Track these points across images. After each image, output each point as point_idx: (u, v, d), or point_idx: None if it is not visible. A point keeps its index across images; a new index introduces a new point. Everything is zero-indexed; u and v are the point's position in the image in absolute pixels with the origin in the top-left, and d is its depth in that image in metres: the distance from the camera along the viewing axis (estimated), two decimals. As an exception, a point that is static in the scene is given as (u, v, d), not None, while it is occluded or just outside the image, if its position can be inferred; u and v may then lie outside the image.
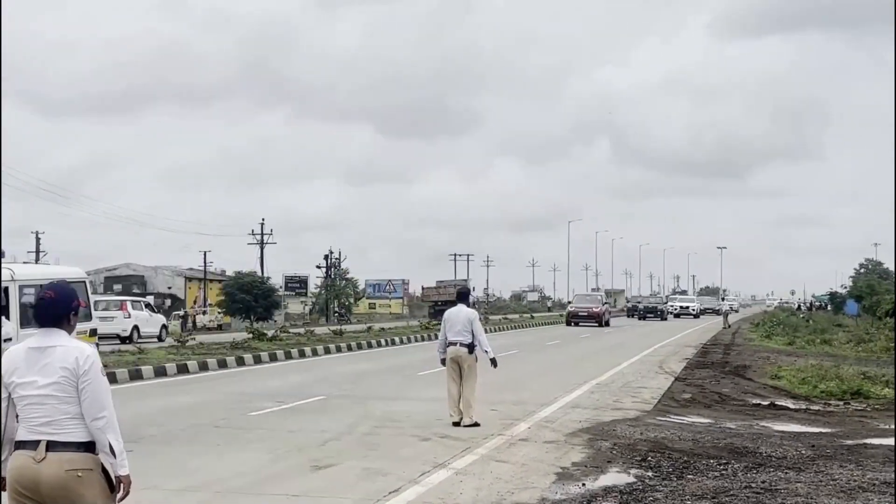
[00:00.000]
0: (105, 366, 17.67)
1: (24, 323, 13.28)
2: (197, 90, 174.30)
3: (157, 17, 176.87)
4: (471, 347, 13.36)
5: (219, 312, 67.01)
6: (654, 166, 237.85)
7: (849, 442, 12.06)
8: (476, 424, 12.93)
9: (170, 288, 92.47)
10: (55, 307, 4.62)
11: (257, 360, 25.03)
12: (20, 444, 4.51)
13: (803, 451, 11.17)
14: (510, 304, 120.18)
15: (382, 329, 43.60)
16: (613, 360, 26.32)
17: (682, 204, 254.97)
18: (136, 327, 36.97)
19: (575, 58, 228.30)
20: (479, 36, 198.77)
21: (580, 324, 54.67)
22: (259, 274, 75.78)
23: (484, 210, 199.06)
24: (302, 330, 42.93)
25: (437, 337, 13.88)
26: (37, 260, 73.39)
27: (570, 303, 69.09)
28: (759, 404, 16.30)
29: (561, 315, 67.88)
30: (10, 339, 11.76)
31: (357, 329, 44.45)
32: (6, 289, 13.58)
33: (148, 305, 41.03)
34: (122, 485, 4.61)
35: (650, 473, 9.79)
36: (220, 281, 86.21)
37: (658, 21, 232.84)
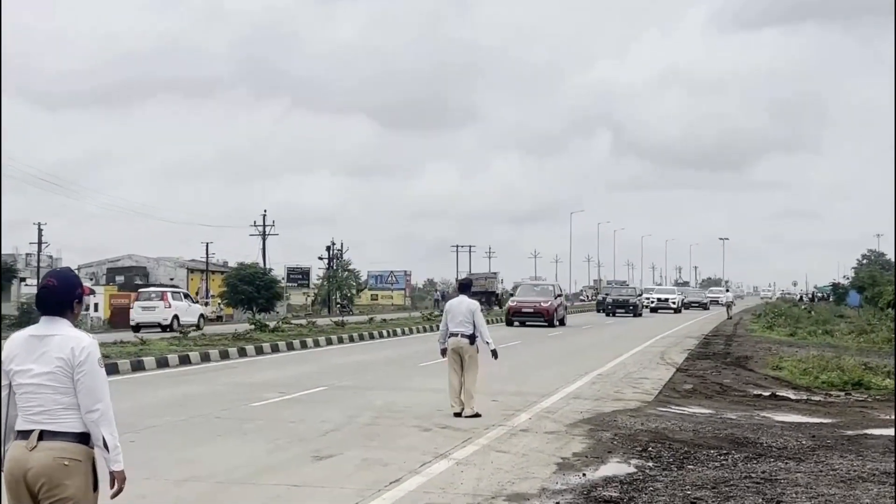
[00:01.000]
0: (107, 356, 17.66)
1: None
2: (197, 83, 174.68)
3: (157, 10, 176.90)
4: (472, 338, 13.38)
5: (219, 304, 67.08)
6: (653, 159, 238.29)
7: (849, 432, 12.08)
8: (477, 415, 12.96)
9: (172, 279, 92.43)
10: (57, 295, 4.57)
11: (259, 351, 25.06)
12: (18, 435, 4.50)
13: (804, 442, 11.18)
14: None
15: (384, 320, 43.62)
16: (615, 351, 26.33)
17: (684, 196, 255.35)
18: (175, 316, 38.57)
19: (574, 51, 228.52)
20: (478, 29, 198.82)
21: (526, 323, 42.08)
22: (261, 265, 75.77)
23: (485, 202, 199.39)
24: (304, 321, 42.92)
25: (439, 328, 13.88)
26: (39, 251, 73.48)
27: (511, 295, 51.79)
28: (761, 395, 16.31)
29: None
30: None
31: (359, 320, 44.47)
32: None
33: (187, 296, 42.94)
34: (115, 480, 4.57)
35: (651, 464, 9.81)
36: (222, 272, 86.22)
37: (656, 15, 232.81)
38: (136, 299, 40.51)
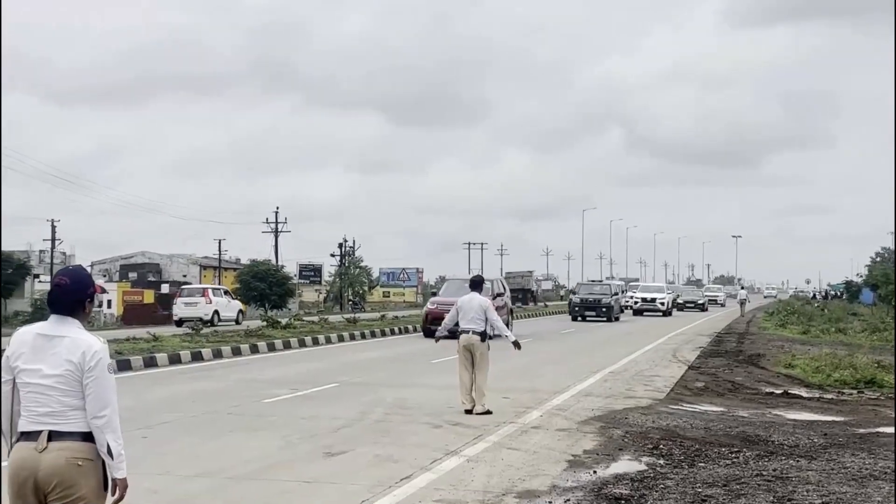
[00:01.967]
0: (120, 353, 17.75)
1: None
2: (207, 79, 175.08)
3: (167, 6, 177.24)
4: (483, 335, 13.39)
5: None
6: (665, 154, 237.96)
7: (861, 430, 12.04)
8: (488, 412, 12.95)
9: (185, 276, 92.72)
10: (70, 293, 4.47)
11: (271, 348, 25.10)
12: (22, 436, 4.40)
13: (816, 440, 11.15)
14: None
15: (396, 317, 43.66)
16: (627, 349, 26.30)
17: (696, 192, 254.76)
18: (216, 312, 40.62)
19: (584, 46, 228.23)
20: (488, 25, 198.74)
21: (587, 318, 45.26)
22: (273, 262, 75.90)
23: (496, 199, 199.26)
24: (316, 318, 43.02)
25: None
26: (52, 248, 73.75)
27: (572, 292, 55.62)
28: (773, 393, 16.27)
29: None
30: None
31: (371, 317, 44.51)
32: None
33: (227, 292, 44.84)
34: (117, 488, 4.46)
35: (662, 461, 9.80)
36: (234, 269, 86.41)
37: (667, 9, 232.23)
38: (179, 295, 42.62)
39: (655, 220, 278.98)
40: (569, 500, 8.06)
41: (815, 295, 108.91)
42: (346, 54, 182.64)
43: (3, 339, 4.97)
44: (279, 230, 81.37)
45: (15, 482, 4.35)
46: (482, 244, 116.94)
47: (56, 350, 4.38)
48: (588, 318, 44.94)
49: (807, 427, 12.22)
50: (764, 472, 9.09)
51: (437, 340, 14.84)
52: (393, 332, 34.12)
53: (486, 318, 13.48)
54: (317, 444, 10.65)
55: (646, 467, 9.48)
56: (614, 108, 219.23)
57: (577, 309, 46.45)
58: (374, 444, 10.74)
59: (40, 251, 77.64)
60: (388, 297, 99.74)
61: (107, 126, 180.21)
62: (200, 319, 38.10)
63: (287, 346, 26.09)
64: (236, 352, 23.29)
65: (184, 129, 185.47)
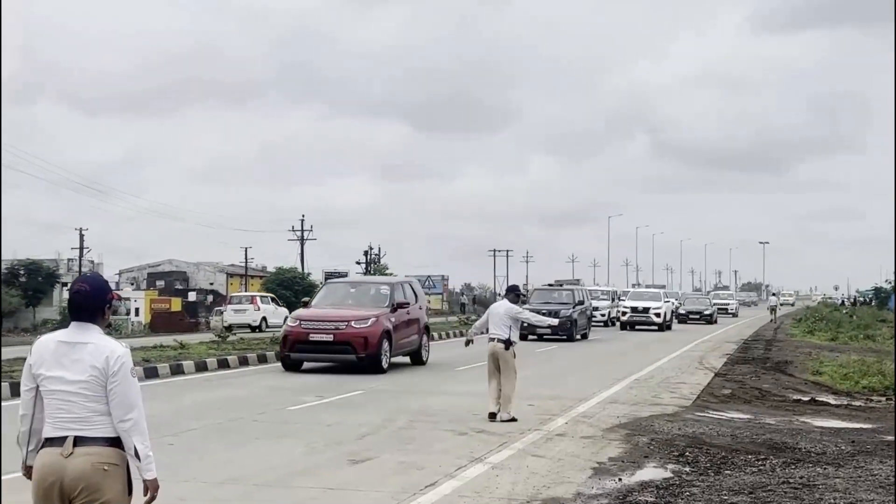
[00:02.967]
0: (147, 360, 17.85)
1: None
2: (234, 87, 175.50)
3: (194, 14, 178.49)
4: (507, 343, 13.44)
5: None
6: (692, 160, 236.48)
7: (889, 438, 11.94)
8: (513, 420, 12.95)
9: (211, 284, 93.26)
10: (90, 299, 4.49)
11: (297, 355, 25.10)
12: (47, 442, 4.41)
13: (843, 447, 11.07)
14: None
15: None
16: (653, 356, 26.20)
17: (723, 198, 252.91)
18: (264, 318, 43.18)
19: (611, 52, 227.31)
20: (514, 30, 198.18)
21: (636, 327, 43.66)
22: (299, 269, 76.21)
23: (521, 205, 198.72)
24: (342, 325, 43.11)
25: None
26: (81, 256, 74.31)
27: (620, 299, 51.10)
28: (800, 400, 16.16)
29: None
30: None
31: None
32: None
33: (273, 299, 47.72)
34: (148, 489, 4.50)
35: (688, 469, 9.76)
36: (260, 277, 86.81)
37: (693, 15, 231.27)
38: (229, 303, 46.04)
39: (682, 226, 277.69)
40: (594, 507, 8.04)
41: (843, 301, 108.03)
42: (371, 61, 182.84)
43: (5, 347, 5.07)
44: (305, 238, 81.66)
45: (41, 488, 4.36)
46: (507, 251, 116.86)
47: (79, 356, 4.39)
48: (544, 337, 33.66)
49: (834, 434, 12.14)
50: (791, 480, 9.04)
51: (466, 345, 15.03)
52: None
53: (511, 326, 13.54)
54: (342, 451, 10.68)
55: (671, 475, 9.44)
56: (640, 113, 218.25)
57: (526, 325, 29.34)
58: (398, 451, 10.76)
59: (69, 259, 78.22)
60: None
61: (134, 134, 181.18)
62: (249, 325, 40.87)
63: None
64: (262, 359, 23.35)
65: (211, 137, 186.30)
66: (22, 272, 66.85)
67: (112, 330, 37.58)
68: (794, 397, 16.54)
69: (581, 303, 36.06)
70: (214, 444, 11.20)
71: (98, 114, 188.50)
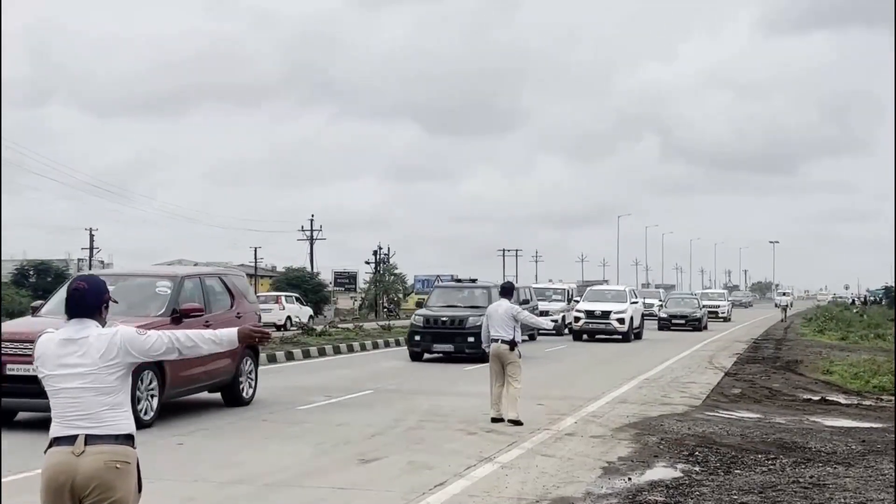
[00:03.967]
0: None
1: None
2: (245, 89, 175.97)
3: (206, 17, 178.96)
4: (512, 344, 13.06)
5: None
6: (702, 161, 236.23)
7: (901, 437, 11.89)
8: (519, 423, 12.65)
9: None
10: (88, 298, 4.50)
11: (306, 355, 25.19)
12: (55, 441, 4.37)
13: (853, 447, 11.04)
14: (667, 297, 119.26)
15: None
16: (662, 355, 26.16)
17: (733, 199, 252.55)
18: (289, 317, 44.83)
19: (620, 53, 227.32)
20: (524, 32, 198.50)
21: (672, 328, 43.08)
22: (309, 269, 76.25)
23: (531, 206, 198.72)
24: (351, 325, 43.13)
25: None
26: (91, 257, 74.50)
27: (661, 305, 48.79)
28: (810, 399, 16.12)
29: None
30: None
31: (405, 324, 44.48)
32: None
33: (298, 299, 49.18)
34: (250, 332, 4.63)
35: (697, 468, 9.74)
36: (270, 277, 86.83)
37: (703, 17, 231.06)
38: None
39: (692, 226, 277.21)
40: (603, 507, 8.02)
41: (854, 301, 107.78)
42: (382, 64, 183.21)
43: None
44: (314, 238, 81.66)
45: (51, 488, 4.32)
46: (517, 251, 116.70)
47: (83, 350, 4.39)
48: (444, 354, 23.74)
49: (844, 434, 12.10)
50: (801, 479, 9.01)
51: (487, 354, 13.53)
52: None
53: (515, 326, 13.12)
54: (351, 451, 10.69)
55: (681, 474, 9.42)
56: (651, 115, 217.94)
57: (418, 338, 23.94)
58: (407, 450, 10.76)
59: (79, 260, 78.43)
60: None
61: (146, 136, 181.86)
62: (274, 325, 41.59)
63: (322, 353, 26.18)
64: (272, 359, 23.38)
65: (222, 139, 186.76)
66: (32, 272, 67.09)
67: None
68: (805, 397, 16.50)
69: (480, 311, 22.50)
70: (224, 444, 11.21)
71: (110, 116, 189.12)
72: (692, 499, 8.26)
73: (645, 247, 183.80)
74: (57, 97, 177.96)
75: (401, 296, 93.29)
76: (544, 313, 32.73)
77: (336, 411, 14.07)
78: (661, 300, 51.46)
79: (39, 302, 14.35)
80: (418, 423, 12.89)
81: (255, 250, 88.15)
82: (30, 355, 12.68)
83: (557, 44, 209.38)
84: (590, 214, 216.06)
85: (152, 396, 12.30)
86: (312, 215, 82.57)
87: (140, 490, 4.48)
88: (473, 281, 26.97)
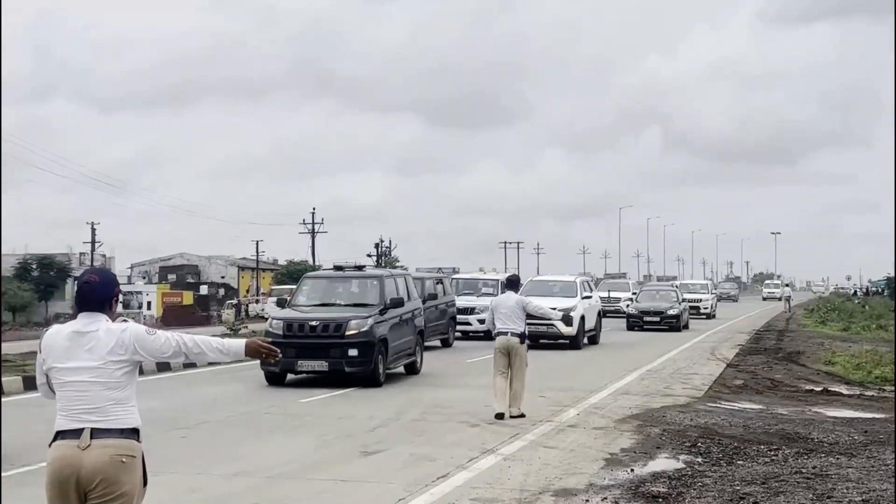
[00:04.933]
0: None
1: None
2: (247, 84, 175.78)
3: (208, 12, 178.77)
4: (522, 337, 12.88)
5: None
6: (704, 154, 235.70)
7: (903, 428, 11.89)
8: (522, 416, 12.58)
9: (223, 277, 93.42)
10: (99, 291, 4.49)
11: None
12: (60, 435, 4.35)
13: (856, 437, 11.04)
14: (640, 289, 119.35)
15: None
16: (665, 347, 26.15)
17: (735, 191, 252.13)
18: None
19: (622, 46, 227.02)
20: (526, 26, 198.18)
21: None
22: (310, 263, 76.29)
23: (532, 199, 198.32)
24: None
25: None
26: (93, 251, 74.55)
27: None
28: (812, 390, 16.12)
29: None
30: None
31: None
32: None
33: None
34: (255, 349, 4.65)
35: (700, 459, 9.74)
36: (272, 270, 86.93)
37: (705, 9, 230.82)
38: (270, 295, 46.81)
39: (694, 218, 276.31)
40: (606, 498, 8.03)
41: (855, 292, 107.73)
42: (385, 58, 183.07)
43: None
44: (316, 231, 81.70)
45: (57, 481, 4.30)
46: (518, 243, 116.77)
47: (91, 344, 4.37)
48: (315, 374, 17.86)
49: (847, 424, 12.10)
50: (803, 470, 9.01)
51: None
52: (429, 332, 34.06)
53: (524, 318, 12.98)
54: (353, 444, 10.69)
55: (684, 465, 9.43)
56: (652, 107, 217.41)
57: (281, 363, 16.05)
58: (410, 443, 10.77)
59: (80, 254, 78.50)
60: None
61: (149, 131, 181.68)
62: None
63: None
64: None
65: (224, 134, 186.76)
66: (34, 266, 67.19)
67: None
68: (807, 387, 16.50)
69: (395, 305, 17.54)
70: (227, 438, 11.22)
71: (112, 111, 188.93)
72: (694, 490, 8.26)
73: (647, 239, 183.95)
74: (60, 92, 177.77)
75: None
76: (468, 310, 28.16)
77: (338, 404, 14.09)
78: (633, 292, 43.62)
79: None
80: (420, 416, 12.90)
81: (257, 244, 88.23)
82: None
83: (559, 37, 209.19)
84: (591, 207, 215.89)
85: None
86: (314, 208, 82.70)
87: (145, 484, 4.47)
88: (360, 268, 19.89)
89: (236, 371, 19.52)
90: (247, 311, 61.19)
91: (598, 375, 18.16)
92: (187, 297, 70.03)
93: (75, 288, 4.62)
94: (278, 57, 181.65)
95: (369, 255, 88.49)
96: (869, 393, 15.93)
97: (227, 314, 52.49)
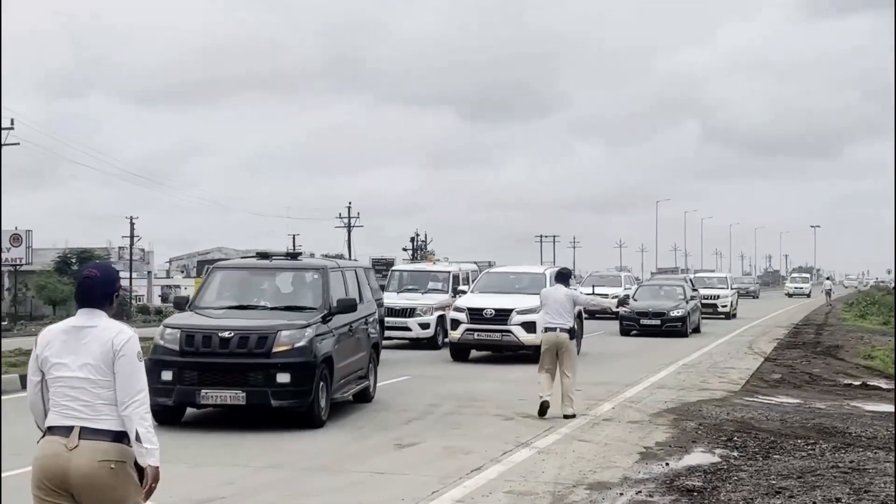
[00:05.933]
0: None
1: None
2: (282, 77, 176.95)
3: (243, 6, 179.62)
4: (571, 332, 12.28)
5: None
6: (741, 146, 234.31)
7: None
8: (574, 416, 11.90)
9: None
10: (99, 286, 4.38)
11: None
12: (49, 430, 4.25)
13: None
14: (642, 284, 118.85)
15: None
16: (701, 341, 26.01)
17: (773, 183, 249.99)
18: None
19: (658, 37, 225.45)
20: (560, 17, 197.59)
21: None
22: (346, 257, 76.53)
23: (568, 191, 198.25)
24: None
25: None
26: (131, 245, 75.23)
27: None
28: (851, 384, 15.97)
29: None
30: None
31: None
32: None
33: None
34: (148, 477, 4.28)
35: (735, 453, 9.68)
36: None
37: (741, 0, 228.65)
38: None
39: (731, 211, 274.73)
40: (640, 491, 8.01)
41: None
42: (418, 51, 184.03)
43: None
44: (352, 225, 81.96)
45: (44, 478, 4.21)
46: (554, 237, 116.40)
47: (86, 341, 4.28)
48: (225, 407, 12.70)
49: (885, 418, 11.96)
50: (840, 464, 8.93)
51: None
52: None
53: (573, 313, 12.36)
54: (387, 437, 10.73)
55: (719, 459, 9.37)
56: (689, 99, 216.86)
57: (168, 377, 11.29)
58: (444, 436, 10.79)
59: (119, 248, 79.23)
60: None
61: (185, 124, 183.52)
62: None
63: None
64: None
65: (260, 127, 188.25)
66: (74, 261, 67.89)
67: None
68: (845, 382, 16.34)
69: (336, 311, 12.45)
70: (261, 430, 11.27)
71: (149, 106, 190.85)
72: (730, 483, 8.22)
73: (684, 232, 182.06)
74: (97, 87, 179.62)
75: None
76: (406, 312, 22.88)
77: (374, 398, 14.11)
78: (627, 288, 36.67)
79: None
80: (455, 409, 12.91)
81: (293, 238, 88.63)
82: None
83: (594, 28, 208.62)
84: (627, 200, 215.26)
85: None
86: (350, 202, 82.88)
87: (143, 486, 4.30)
88: (295, 256, 14.59)
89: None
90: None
91: (633, 369, 18.07)
92: (224, 291, 70.39)
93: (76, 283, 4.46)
94: (313, 50, 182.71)
95: (405, 249, 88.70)
96: (909, 387, 15.74)
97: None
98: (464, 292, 21.95)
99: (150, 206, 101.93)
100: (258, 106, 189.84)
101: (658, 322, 28.48)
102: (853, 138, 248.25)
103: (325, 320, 11.87)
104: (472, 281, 23.56)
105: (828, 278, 75.15)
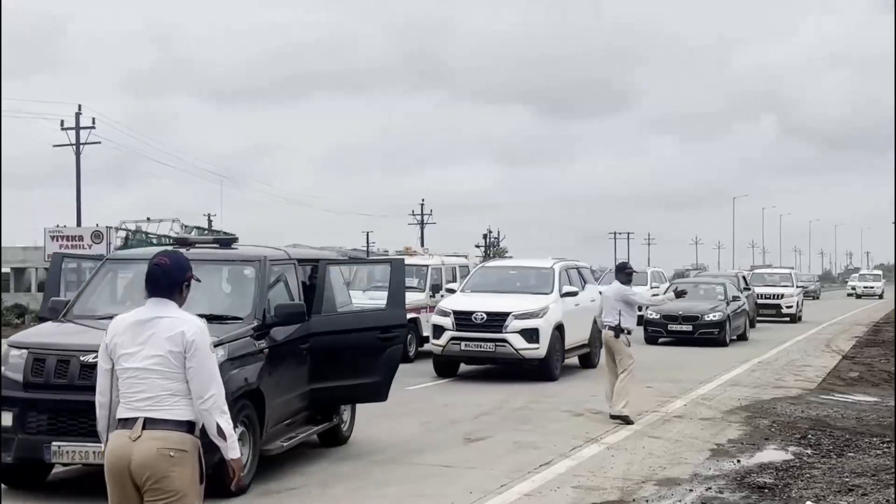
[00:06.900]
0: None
1: None
2: (357, 75, 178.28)
3: (320, 6, 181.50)
4: (617, 330, 11.70)
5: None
6: (821, 141, 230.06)
7: None
8: (624, 419, 11.28)
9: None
10: (169, 274, 4.34)
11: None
12: (119, 423, 4.26)
13: (976, 431, 10.66)
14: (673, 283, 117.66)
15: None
16: (778, 338, 25.60)
17: (854, 179, 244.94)
18: None
19: (736, 32, 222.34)
20: (637, 12, 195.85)
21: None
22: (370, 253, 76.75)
23: (643, 188, 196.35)
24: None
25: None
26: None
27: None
28: (932, 383, 15.59)
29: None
30: None
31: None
32: None
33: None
34: (232, 469, 4.33)
35: (809, 451, 9.55)
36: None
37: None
38: None
39: (811, 207, 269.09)
40: (710, 488, 7.95)
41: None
42: (493, 48, 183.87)
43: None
44: (425, 222, 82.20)
45: (112, 471, 4.23)
46: (628, 233, 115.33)
47: (154, 331, 4.24)
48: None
49: (967, 418, 11.68)
50: (917, 464, 8.75)
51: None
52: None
53: (622, 311, 11.73)
54: (457, 431, 10.79)
55: (792, 457, 9.26)
56: (767, 93, 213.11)
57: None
58: (513, 430, 10.81)
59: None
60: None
61: (262, 123, 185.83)
62: None
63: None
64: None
65: (336, 125, 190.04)
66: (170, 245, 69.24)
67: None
68: (926, 380, 15.97)
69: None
70: (334, 423, 11.40)
71: (228, 104, 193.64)
72: (802, 481, 8.11)
73: (762, 229, 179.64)
74: (178, 87, 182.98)
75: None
76: None
77: (443, 391, 14.21)
78: (656, 284, 32.25)
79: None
80: (524, 405, 12.92)
81: (367, 235, 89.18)
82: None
83: (672, 23, 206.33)
84: (703, 196, 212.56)
85: None
86: (423, 199, 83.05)
87: (203, 480, 4.30)
88: (228, 243, 9.53)
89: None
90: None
91: (706, 367, 17.87)
92: (300, 288, 71.10)
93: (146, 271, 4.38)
94: (389, 48, 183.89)
95: (477, 246, 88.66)
96: None
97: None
98: (452, 291, 17.81)
99: (226, 203, 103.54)
100: (334, 104, 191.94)
101: (690, 328, 23.75)
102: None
103: (257, 335, 8.25)
104: (462, 278, 19.58)
105: None
